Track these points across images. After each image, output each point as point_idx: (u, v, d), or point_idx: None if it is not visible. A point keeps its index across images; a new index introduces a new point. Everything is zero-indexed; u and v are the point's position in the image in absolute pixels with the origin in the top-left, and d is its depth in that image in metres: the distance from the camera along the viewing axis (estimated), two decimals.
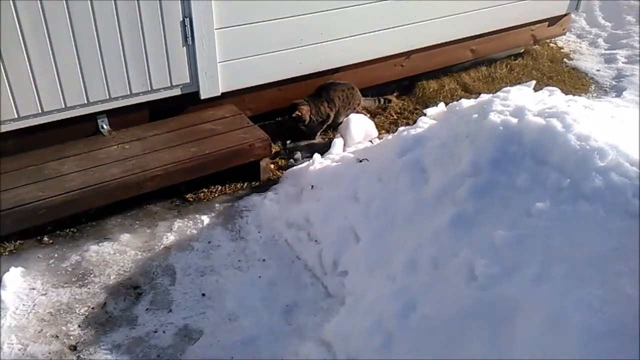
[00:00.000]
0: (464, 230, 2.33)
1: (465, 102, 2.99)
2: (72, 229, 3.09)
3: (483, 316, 2.03)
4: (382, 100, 4.37)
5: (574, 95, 3.64)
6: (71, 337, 2.51)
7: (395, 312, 2.22)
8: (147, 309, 2.65)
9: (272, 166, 3.66)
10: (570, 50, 5.54)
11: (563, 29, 5.33)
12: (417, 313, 2.18)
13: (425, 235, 2.43)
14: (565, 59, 5.32)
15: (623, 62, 5.24)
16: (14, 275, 2.74)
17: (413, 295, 2.25)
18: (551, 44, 5.55)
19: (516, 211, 2.27)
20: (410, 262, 2.39)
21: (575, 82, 4.94)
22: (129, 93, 3.37)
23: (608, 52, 5.50)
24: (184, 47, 3.41)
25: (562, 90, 3.14)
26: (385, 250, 2.57)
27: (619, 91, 4.72)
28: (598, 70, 5.16)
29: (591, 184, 2.17)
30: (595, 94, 4.76)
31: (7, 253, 2.91)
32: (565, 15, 5.13)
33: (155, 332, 2.55)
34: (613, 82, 4.96)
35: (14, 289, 2.68)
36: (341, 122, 3.98)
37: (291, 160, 3.76)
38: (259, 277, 2.84)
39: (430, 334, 2.11)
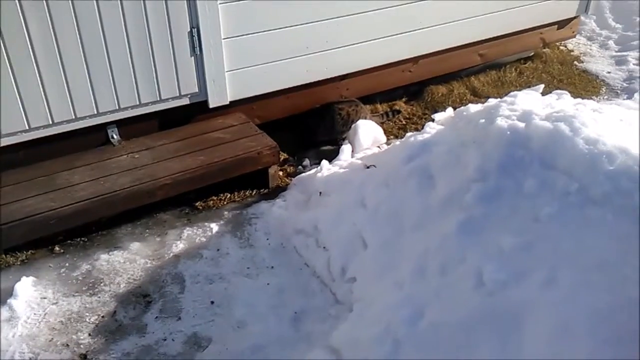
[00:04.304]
0: (472, 236, 2.32)
1: (473, 107, 2.97)
2: (82, 238, 3.12)
3: (491, 322, 2.01)
4: (389, 114, 4.31)
5: (584, 98, 3.62)
6: (81, 346, 2.53)
7: (403, 319, 2.21)
8: (156, 317, 2.67)
9: (280, 173, 3.67)
10: (581, 53, 5.50)
11: (573, 32, 5.29)
12: (425, 320, 2.17)
13: (433, 242, 2.42)
14: (575, 62, 5.28)
15: (634, 64, 5.17)
16: (26, 284, 2.77)
17: (421, 302, 2.24)
18: (561, 47, 5.51)
19: (524, 216, 2.25)
20: (418, 269, 2.38)
21: (585, 84, 4.91)
22: (138, 103, 3.40)
23: (619, 54, 5.44)
24: (192, 57, 3.44)
25: (573, 93, 3.12)
26: (393, 257, 2.57)
27: (630, 93, 4.67)
28: (609, 73, 5.12)
29: (600, 189, 2.14)
30: (606, 97, 4.72)
31: (18, 263, 2.95)
32: (574, 17, 5.10)
33: (165, 340, 2.56)
34: (624, 84, 4.91)
35: (25, 298, 2.71)
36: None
37: (299, 167, 3.77)
38: (268, 284, 2.85)
39: (438, 340, 2.09)
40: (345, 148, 3.77)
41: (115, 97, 3.30)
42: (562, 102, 2.87)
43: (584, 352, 1.79)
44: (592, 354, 1.77)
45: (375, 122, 4.07)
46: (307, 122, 3.98)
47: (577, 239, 2.08)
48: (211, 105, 3.62)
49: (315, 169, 3.52)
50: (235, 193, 3.49)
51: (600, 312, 1.84)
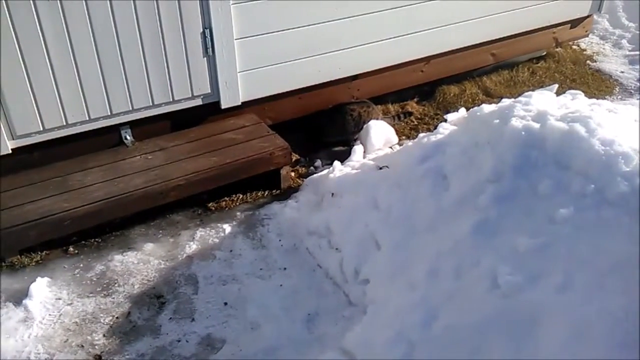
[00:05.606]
0: (486, 237, 2.30)
1: (486, 107, 2.95)
2: (96, 239, 3.14)
3: (506, 325, 2.00)
4: (400, 115, 4.28)
5: (597, 98, 3.59)
6: (96, 347, 2.54)
7: (417, 322, 2.20)
8: (170, 318, 2.68)
9: (292, 174, 3.67)
10: (594, 52, 5.45)
11: (586, 31, 5.25)
12: (439, 322, 2.16)
13: (447, 243, 2.41)
14: (588, 61, 5.24)
15: None
16: (41, 285, 2.79)
17: (435, 304, 2.23)
18: (574, 46, 5.47)
19: (539, 218, 2.24)
20: (431, 271, 2.37)
21: (599, 84, 4.87)
22: (151, 104, 3.42)
23: (632, 53, 5.40)
24: (205, 58, 3.45)
25: (586, 93, 3.09)
26: (406, 258, 2.56)
27: None
28: (622, 72, 5.08)
29: (616, 190, 2.12)
30: (619, 96, 4.68)
31: (33, 263, 2.97)
32: (587, 16, 5.06)
33: (179, 341, 2.57)
34: (638, 84, 4.87)
35: (40, 299, 2.73)
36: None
37: (311, 167, 3.77)
38: (281, 285, 2.85)
39: (452, 343, 2.08)
40: (357, 149, 3.76)
41: (128, 98, 3.32)
42: (577, 102, 2.84)
43: (600, 356, 1.77)
44: (607, 358, 1.75)
45: (387, 123, 4.06)
46: (318, 123, 3.98)
47: (593, 241, 2.06)
48: (223, 106, 3.63)
49: (327, 170, 3.51)
50: (247, 194, 3.50)
51: (616, 315, 1.82)
